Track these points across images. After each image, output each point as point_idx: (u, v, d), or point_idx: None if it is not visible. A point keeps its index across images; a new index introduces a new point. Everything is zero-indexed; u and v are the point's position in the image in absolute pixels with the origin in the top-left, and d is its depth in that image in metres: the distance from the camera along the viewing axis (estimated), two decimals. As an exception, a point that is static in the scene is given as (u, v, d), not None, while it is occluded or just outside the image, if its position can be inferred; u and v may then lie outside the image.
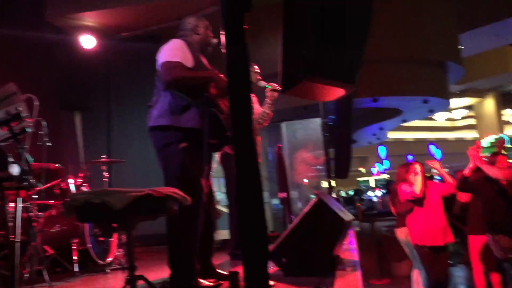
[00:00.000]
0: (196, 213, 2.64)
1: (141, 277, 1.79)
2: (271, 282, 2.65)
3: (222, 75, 2.94)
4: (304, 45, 1.29)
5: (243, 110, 1.30)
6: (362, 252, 7.80)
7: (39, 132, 3.28)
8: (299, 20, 1.28)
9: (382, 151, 14.85)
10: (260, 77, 4.49)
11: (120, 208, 1.48)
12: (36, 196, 4.09)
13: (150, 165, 5.79)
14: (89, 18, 7.29)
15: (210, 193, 3.13)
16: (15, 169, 2.24)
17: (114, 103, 7.88)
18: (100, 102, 7.85)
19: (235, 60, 1.25)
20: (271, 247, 3.10)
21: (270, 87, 4.38)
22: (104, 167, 5.12)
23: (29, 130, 3.04)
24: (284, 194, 4.13)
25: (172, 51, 2.90)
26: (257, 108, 4.55)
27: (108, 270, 4.15)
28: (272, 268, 3.11)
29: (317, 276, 2.57)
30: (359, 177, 25.16)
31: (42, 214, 4.24)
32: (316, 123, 7.17)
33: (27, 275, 3.76)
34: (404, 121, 13.54)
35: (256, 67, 4.51)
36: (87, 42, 7.18)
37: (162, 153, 2.91)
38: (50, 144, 3.24)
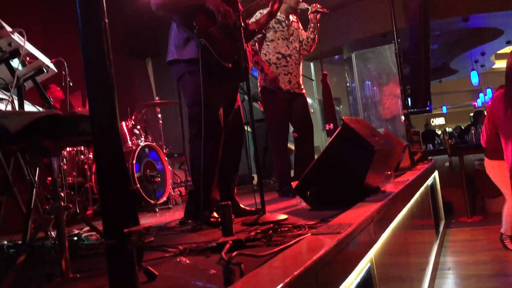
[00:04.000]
0: (210, 138, 2.56)
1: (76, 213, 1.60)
2: (284, 216, 2.42)
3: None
4: None
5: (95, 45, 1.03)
6: (452, 188, 7.20)
7: (63, 73, 3.24)
8: None
9: (474, 77, 13.01)
10: None
11: (17, 130, 1.32)
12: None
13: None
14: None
15: (238, 124, 2.92)
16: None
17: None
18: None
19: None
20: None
21: (311, 8, 3.97)
22: (158, 109, 5.12)
23: (45, 70, 3.00)
24: (330, 126, 3.76)
25: None
26: (301, 33, 4.15)
27: (157, 209, 4.17)
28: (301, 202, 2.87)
29: (342, 208, 2.27)
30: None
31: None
32: (390, 50, 6.50)
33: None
34: (509, 42, 11.91)
35: (295, -13, 4.09)
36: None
37: (180, 87, 2.83)
38: (71, 84, 3.19)
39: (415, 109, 6.49)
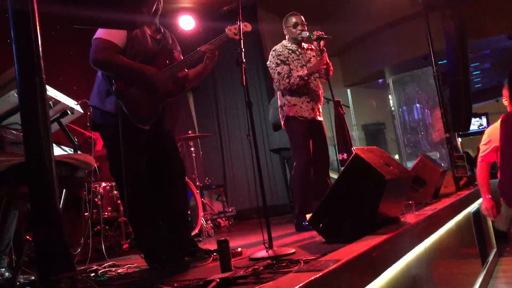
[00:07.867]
0: (133, 191, 2.58)
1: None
2: (293, 250, 2.39)
3: (166, 76, 2.72)
4: None
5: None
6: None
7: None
8: None
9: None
10: (305, 28, 4.05)
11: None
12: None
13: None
14: (186, -1, 7.41)
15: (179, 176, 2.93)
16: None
17: (219, 82, 7.92)
18: (207, 81, 7.93)
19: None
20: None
21: (313, 36, 3.93)
22: (191, 143, 5.24)
23: (69, 112, 3.16)
24: (344, 155, 3.62)
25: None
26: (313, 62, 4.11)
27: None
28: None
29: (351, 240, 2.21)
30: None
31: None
32: (429, 72, 6.31)
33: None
34: None
35: (302, 17, 4.09)
36: (187, 23, 7.34)
37: (100, 133, 2.85)
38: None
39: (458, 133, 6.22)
